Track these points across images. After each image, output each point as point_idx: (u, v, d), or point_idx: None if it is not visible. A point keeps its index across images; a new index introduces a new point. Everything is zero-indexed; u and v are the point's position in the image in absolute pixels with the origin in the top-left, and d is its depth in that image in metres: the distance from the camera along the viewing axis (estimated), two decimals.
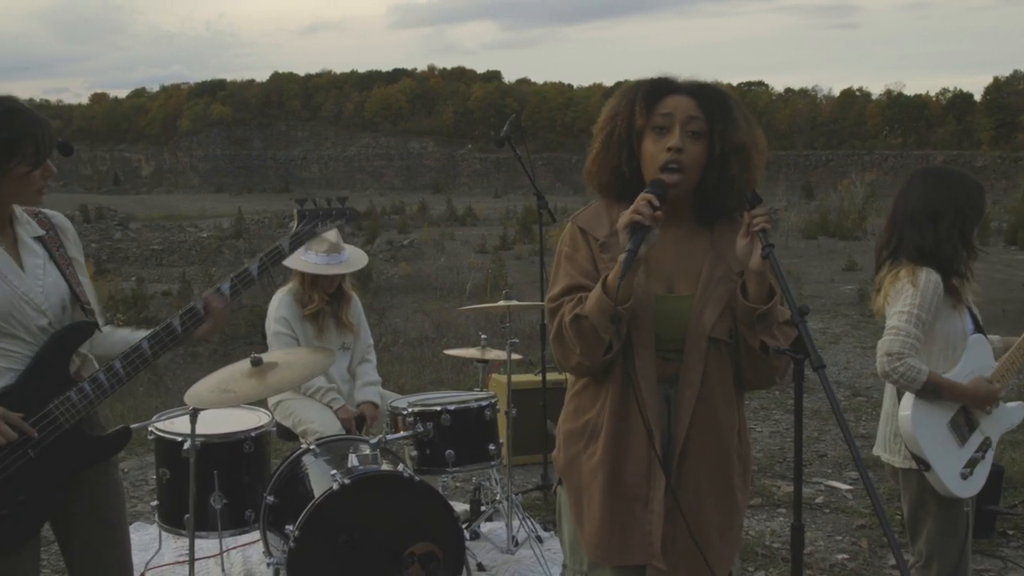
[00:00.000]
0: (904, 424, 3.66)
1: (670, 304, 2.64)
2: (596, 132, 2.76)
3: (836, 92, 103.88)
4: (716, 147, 2.61)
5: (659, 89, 2.67)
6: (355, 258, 5.38)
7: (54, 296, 2.96)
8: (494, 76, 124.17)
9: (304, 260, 5.15)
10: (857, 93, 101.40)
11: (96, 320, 3.06)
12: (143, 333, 3.08)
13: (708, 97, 2.65)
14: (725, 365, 2.66)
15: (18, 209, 2.99)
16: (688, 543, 2.62)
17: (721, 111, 2.63)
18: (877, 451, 3.93)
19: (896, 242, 3.78)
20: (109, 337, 3.17)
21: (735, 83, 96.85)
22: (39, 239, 3.01)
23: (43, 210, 3.08)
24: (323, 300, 5.33)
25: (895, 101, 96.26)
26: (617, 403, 2.64)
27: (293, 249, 3.23)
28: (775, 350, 2.53)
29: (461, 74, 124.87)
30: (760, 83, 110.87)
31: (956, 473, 3.68)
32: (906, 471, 3.78)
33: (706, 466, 2.66)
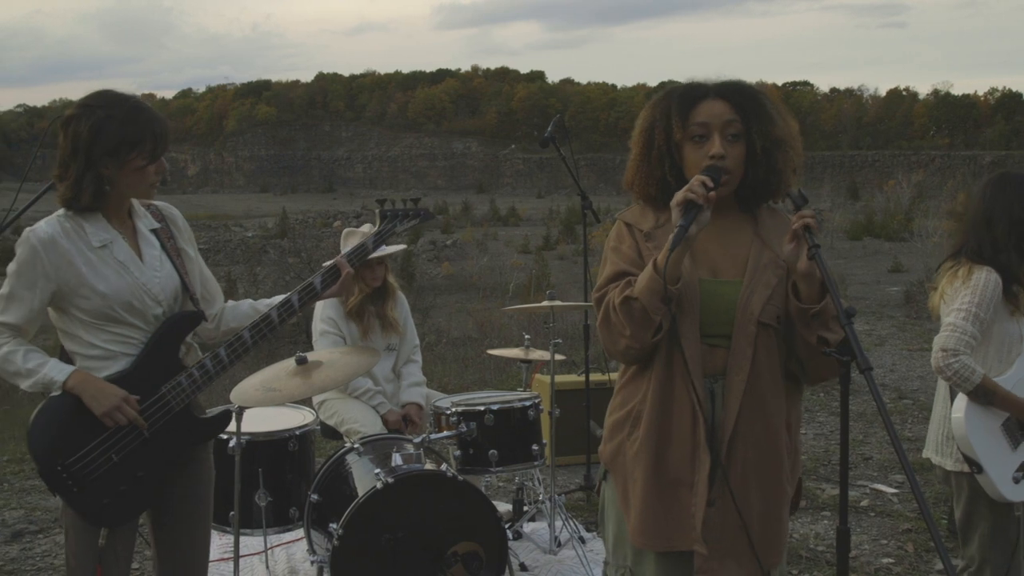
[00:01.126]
0: (957, 425, 3.61)
1: (715, 288, 2.66)
2: (633, 143, 2.79)
3: (882, 92, 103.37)
4: (756, 145, 2.63)
5: (691, 97, 2.69)
6: (389, 247, 5.44)
7: (169, 287, 3.11)
8: (538, 76, 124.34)
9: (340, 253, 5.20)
10: (904, 93, 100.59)
11: (202, 310, 3.21)
12: (266, 302, 3.33)
13: (740, 97, 2.67)
14: (774, 352, 2.65)
15: (135, 202, 3.15)
16: (734, 531, 2.61)
17: (755, 109, 2.66)
18: (928, 453, 3.88)
19: (961, 244, 3.76)
20: (237, 309, 3.38)
21: (780, 83, 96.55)
22: (154, 231, 3.17)
23: (154, 203, 3.25)
24: (363, 292, 5.35)
25: (942, 101, 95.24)
26: (660, 388, 2.65)
27: (376, 247, 3.49)
28: (827, 352, 2.51)
29: (505, 74, 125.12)
30: (805, 83, 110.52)
31: (1008, 477, 3.63)
32: (958, 474, 3.73)
33: (754, 454, 2.64)
